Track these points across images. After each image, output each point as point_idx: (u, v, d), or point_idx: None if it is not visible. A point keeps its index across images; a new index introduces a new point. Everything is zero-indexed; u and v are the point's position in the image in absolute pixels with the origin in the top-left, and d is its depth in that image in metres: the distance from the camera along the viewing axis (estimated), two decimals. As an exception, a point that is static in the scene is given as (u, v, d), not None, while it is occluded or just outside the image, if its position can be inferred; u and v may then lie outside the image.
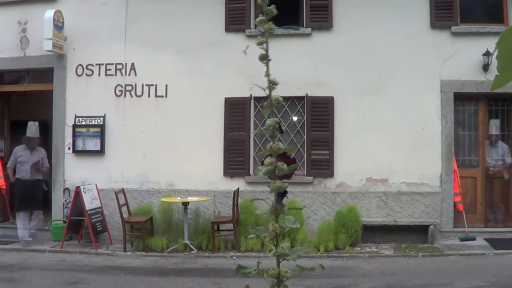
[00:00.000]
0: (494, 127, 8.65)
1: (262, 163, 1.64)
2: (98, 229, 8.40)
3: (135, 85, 9.18)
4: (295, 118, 8.93)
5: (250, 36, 8.82)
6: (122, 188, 8.70)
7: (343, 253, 7.76)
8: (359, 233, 8.15)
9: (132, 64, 9.19)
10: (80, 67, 9.31)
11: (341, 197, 8.70)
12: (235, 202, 8.14)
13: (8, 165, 8.65)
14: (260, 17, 1.58)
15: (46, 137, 9.89)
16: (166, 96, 9.11)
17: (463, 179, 8.68)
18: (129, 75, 9.20)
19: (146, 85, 9.14)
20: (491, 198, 8.83)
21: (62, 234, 8.34)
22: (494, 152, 8.70)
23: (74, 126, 9.24)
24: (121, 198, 8.46)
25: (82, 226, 8.53)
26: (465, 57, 8.56)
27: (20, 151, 8.56)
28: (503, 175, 8.67)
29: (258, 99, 8.79)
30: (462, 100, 8.87)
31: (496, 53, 1.14)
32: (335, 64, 8.79)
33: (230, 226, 8.10)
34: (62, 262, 7.49)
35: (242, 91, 8.82)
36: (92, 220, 8.22)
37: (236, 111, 8.91)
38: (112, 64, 9.23)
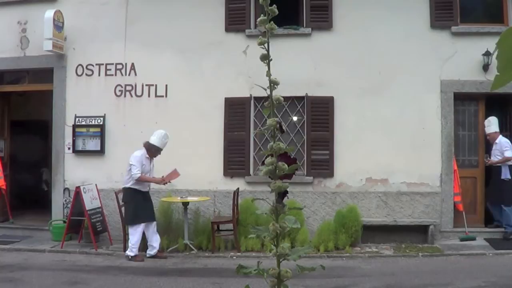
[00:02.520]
0: (493, 125, 8.50)
1: (263, 163, 1.64)
2: (98, 229, 8.40)
3: (135, 85, 9.18)
4: (295, 118, 8.92)
5: (250, 36, 8.82)
6: (122, 188, 8.68)
7: (343, 253, 7.76)
8: (359, 233, 8.15)
9: (132, 64, 9.18)
10: (80, 67, 9.30)
11: (341, 197, 8.70)
12: (235, 202, 8.14)
13: (139, 174, 7.51)
14: (262, 17, 1.59)
15: (46, 137, 9.88)
16: (166, 96, 9.11)
17: (463, 179, 8.67)
18: (129, 75, 9.19)
19: (146, 85, 9.14)
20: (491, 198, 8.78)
21: (62, 234, 8.33)
22: (494, 148, 8.52)
23: (74, 126, 9.23)
24: (121, 198, 8.44)
25: (82, 226, 8.52)
26: (465, 57, 8.56)
27: (144, 159, 7.69)
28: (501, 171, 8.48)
29: (258, 99, 8.79)
30: (462, 100, 8.87)
31: (496, 53, 1.15)
32: (335, 64, 8.79)
33: (230, 226, 8.10)
34: (62, 262, 7.49)
35: (242, 91, 8.82)
36: (92, 220, 8.21)
37: (236, 111, 8.91)
38: (112, 64, 9.23)
